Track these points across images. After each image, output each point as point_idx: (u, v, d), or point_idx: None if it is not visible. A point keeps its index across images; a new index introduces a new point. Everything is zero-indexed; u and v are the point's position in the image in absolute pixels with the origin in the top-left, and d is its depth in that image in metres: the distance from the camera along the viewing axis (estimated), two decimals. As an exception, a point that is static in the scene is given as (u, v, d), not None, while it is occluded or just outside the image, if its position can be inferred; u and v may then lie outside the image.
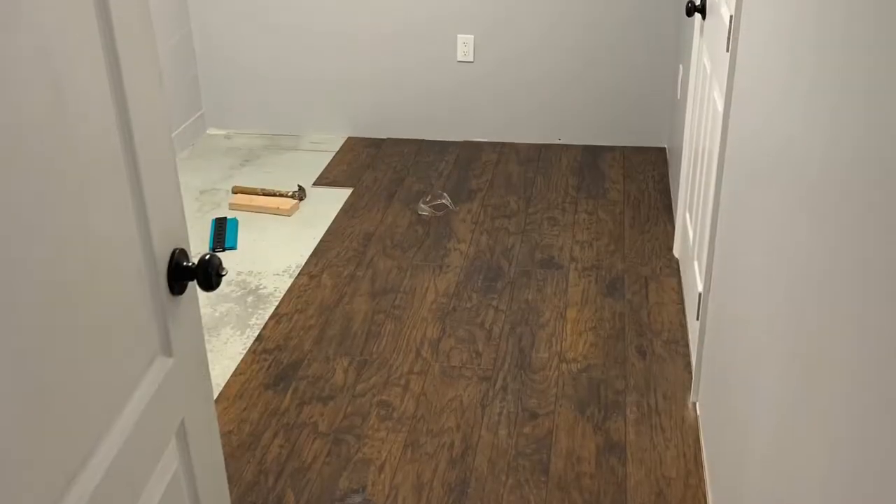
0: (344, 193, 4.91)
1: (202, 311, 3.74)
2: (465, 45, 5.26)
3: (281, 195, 4.80)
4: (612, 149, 5.39)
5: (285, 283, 4.05)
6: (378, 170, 5.19)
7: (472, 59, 5.30)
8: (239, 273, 4.14)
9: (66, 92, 1.22)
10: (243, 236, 4.48)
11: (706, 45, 3.42)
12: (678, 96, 4.59)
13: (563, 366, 3.47)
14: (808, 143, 1.63)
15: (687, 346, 3.56)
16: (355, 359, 3.54)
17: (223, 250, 4.34)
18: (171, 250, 1.57)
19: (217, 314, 3.84)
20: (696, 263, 3.43)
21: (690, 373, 3.40)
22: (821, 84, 1.57)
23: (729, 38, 2.68)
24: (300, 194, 4.81)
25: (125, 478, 1.39)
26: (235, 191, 4.86)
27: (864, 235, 1.29)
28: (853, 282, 1.33)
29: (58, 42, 1.20)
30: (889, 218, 1.17)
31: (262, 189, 4.84)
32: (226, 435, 3.16)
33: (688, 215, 3.81)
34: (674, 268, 4.10)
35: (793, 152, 1.77)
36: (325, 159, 5.34)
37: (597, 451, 3.07)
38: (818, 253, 1.54)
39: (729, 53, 2.69)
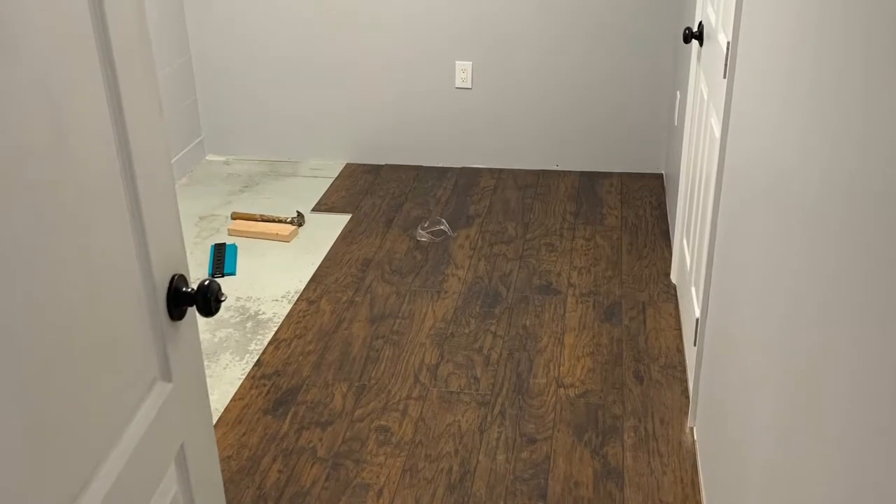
0: (342, 219, 4.93)
1: (201, 336, 3.76)
2: (463, 72, 5.29)
3: (280, 221, 4.81)
4: (609, 175, 5.41)
5: (284, 309, 4.07)
6: (376, 196, 5.21)
7: (470, 86, 5.33)
8: (238, 299, 4.15)
9: (67, 118, 1.23)
10: (242, 262, 4.50)
11: (703, 71, 3.44)
12: (675, 123, 4.62)
13: (561, 391, 3.48)
14: (806, 169, 1.64)
15: (684, 371, 3.57)
16: (354, 384, 3.55)
17: (222, 276, 4.36)
18: (170, 276, 1.58)
19: (216, 339, 3.85)
20: (693, 289, 3.44)
21: (688, 398, 3.41)
22: (818, 111, 1.58)
23: (726, 65, 2.70)
24: (299, 220, 4.83)
25: (125, 502, 1.40)
26: (234, 217, 4.88)
27: (860, 261, 1.30)
28: (849, 308, 1.35)
29: (58, 68, 1.22)
30: (886, 244, 1.19)
31: (261, 215, 4.86)
32: (225, 460, 3.16)
33: (685, 241, 3.83)
34: (671, 293, 4.11)
35: (790, 178, 1.78)
36: (323, 185, 5.37)
37: (594, 476, 3.07)
38: (815, 279, 1.55)
39: (726, 80, 2.71)
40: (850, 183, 1.35)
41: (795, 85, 1.77)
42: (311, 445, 3.23)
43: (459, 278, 4.29)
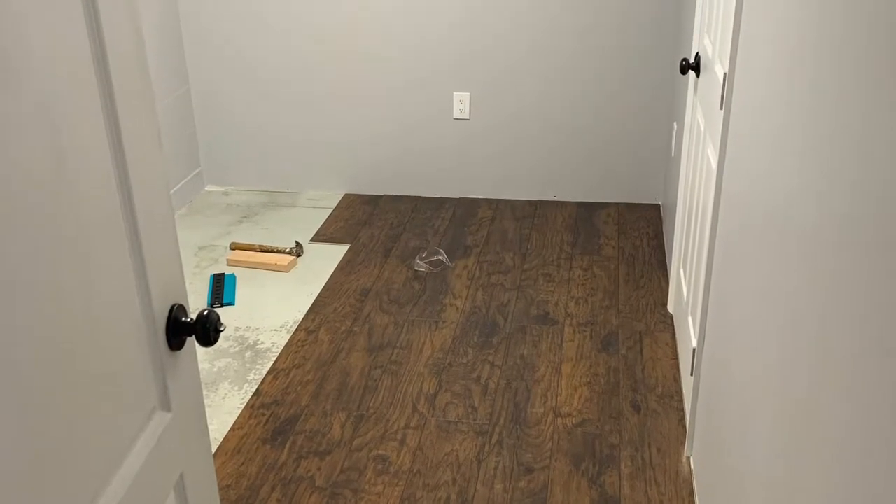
0: (341, 250, 4.94)
1: (200, 366, 3.77)
2: (461, 103, 5.32)
3: (278, 251, 4.83)
4: (606, 205, 5.44)
5: (283, 339, 4.08)
6: (375, 226, 5.23)
7: (468, 117, 5.36)
8: (237, 328, 4.16)
9: (67, 149, 1.25)
10: (241, 292, 4.51)
11: (700, 102, 3.46)
12: (672, 153, 4.64)
13: (559, 420, 3.49)
14: (802, 200, 1.66)
15: (681, 400, 3.58)
16: (352, 413, 3.56)
17: (221, 306, 4.37)
18: (169, 306, 1.60)
19: (215, 369, 3.85)
20: (690, 319, 3.45)
21: (685, 427, 3.41)
22: (814, 141, 1.59)
23: (723, 96, 2.72)
24: (297, 250, 4.84)
25: (123, 531, 1.41)
26: (233, 247, 4.90)
27: (857, 290, 1.31)
28: (847, 336, 1.36)
29: (58, 99, 1.23)
30: (881, 275, 1.20)
31: (260, 245, 4.88)
32: (224, 489, 3.17)
33: (682, 271, 3.84)
34: (668, 323, 4.12)
35: (786, 209, 1.79)
36: (322, 216, 5.39)
37: (592, 506, 3.07)
38: (811, 308, 1.56)
39: (723, 111, 2.72)
40: (847, 212, 1.37)
41: (792, 115, 1.79)
42: (309, 475, 3.24)
43: (457, 308, 4.31)
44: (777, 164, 1.91)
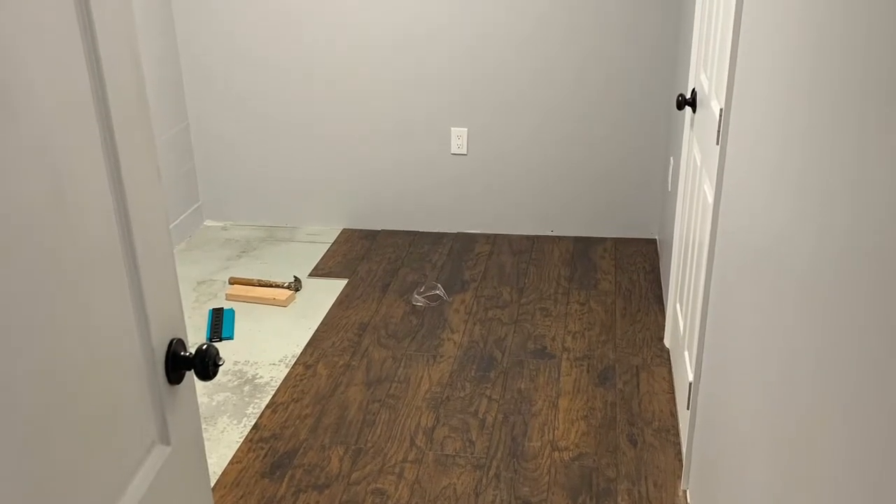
0: (339, 284, 4.96)
1: (199, 399, 3.76)
2: (458, 139, 5.36)
3: (277, 286, 4.85)
4: (603, 240, 5.46)
5: (281, 373, 4.09)
6: (373, 261, 5.24)
7: (465, 152, 5.39)
8: (236, 363, 4.18)
9: (66, 184, 1.26)
10: (240, 326, 4.52)
11: (696, 137, 3.49)
12: (669, 188, 4.67)
13: (556, 454, 3.49)
14: (798, 234, 1.66)
15: (678, 434, 3.59)
16: (350, 447, 3.56)
17: (220, 340, 4.38)
18: (168, 340, 1.61)
19: (214, 403, 3.86)
20: (686, 353, 3.47)
21: (681, 461, 3.42)
22: (810, 176, 1.60)
23: (719, 132, 2.74)
24: (296, 285, 4.86)
25: (122, 563, 1.42)
26: (232, 282, 4.91)
27: (852, 328, 1.32)
28: (842, 372, 1.37)
29: (58, 134, 1.24)
30: (877, 311, 1.21)
31: (259, 280, 4.90)
32: (220, 525, 3.17)
33: (678, 306, 3.86)
34: (664, 357, 4.14)
35: (782, 243, 1.81)
36: (320, 251, 5.41)
37: (589, 541, 3.07)
38: (807, 345, 1.57)
39: (719, 146, 2.74)
40: (842, 247, 1.37)
41: (788, 151, 1.80)
42: (306, 510, 3.24)
43: (455, 342, 4.32)
44: (773, 199, 1.92)
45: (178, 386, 1.64)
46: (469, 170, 5.44)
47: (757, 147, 2.17)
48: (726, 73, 2.66)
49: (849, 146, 1.37)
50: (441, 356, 4.19)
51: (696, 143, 3.52)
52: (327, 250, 5.41)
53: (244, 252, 5.42)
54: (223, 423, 3.74)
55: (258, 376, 4.07)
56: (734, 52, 2.58)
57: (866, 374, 1.23)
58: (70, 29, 1.29)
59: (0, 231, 1.09)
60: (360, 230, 5.68)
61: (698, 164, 3.37)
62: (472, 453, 3.52)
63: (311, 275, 5.09)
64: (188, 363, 1.63)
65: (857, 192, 1.32)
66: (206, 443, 3.43)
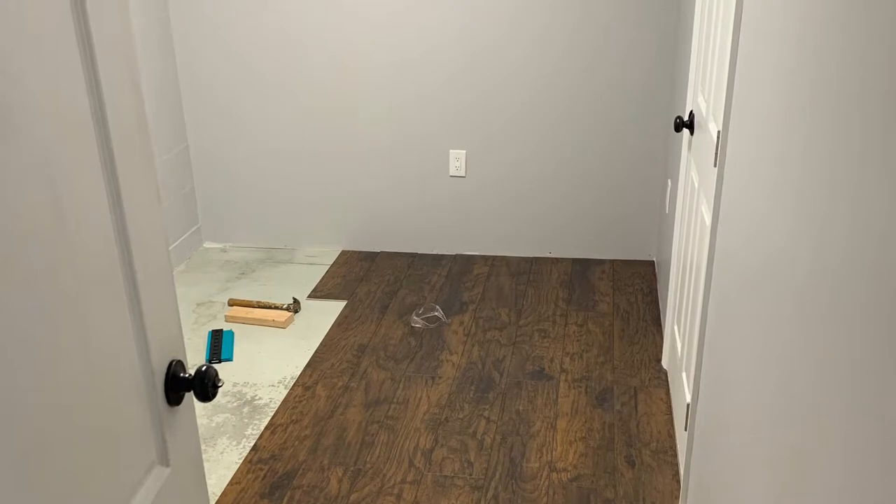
0: (338, 306, 4.97)
1: (199, 421, 3.78)
2: (457, 161, 5.38)
3: (276, 308, 4.86)
4: (601, 262, 5.47)
5: (280, 394, 4.09)
6: (372, 283, 5.26)
7: (464, 174, 5.41)
8: (235, 384, 4.18)
9: (66, 205, 1.27)
10: (239, 348, 4.53)
11: (694, 159, 3.50)
12: (667, 210, 4.68)
13: (554, 475, 3.50)
14: (795, 256, 1.66)
15: (675, 455, 3.59)
16: (349, 469, 3.57)
17: (219, 362, 4.39)
18: (168, 362, 1.62)
19: (213, 424, 3.87)
20: (684, 374, 3.48)
21: (679, 482, 3.43)
22: (807, 198, 1.61)
23: (717, 154, 2.74)
24: (295, 307, 4.87)
25: (122, 584, 1.42)
26: (231, 303, 4.92)
27: (850, 349, 1.32)
28: (840, 396, 1.37)
29: (58, 155, 1.26)
30: (875, 333, 1.21)
31: (258, 302, 4.91)
32: (219, 546, 3.17)
33: (676, 327, 3.87)
34: (662, 379, 4.15)
35: (779, 265, 1.81)
36: (319, 272, 5.42)
37: (588, 562, 3.08)
38: (805, 367, 1.58)
39: (716, 168, 2.75)
40: (839, 269, 1.38)
41: (785, 173, 1.80)
42: (305, 531, 3.24)
43: (453, 364, 4.33)
44: (771, 221, 1.93)
45: (177, 407, 1.65)
46: (468, 192, 5.46)
47: (754, 169, 2.17)
48: (724, 95, 2.67)
49: (847, 167, 1.37)
50: (439, 377, 4.20)
51: (693, 165, 3.53)
52: (326, 272, 5.42)
53: (243, 274, 5.44)
54: (222, 444, 3.75)
55: (257, 397, 4.07)
56: (731, 74, 2.59)
57: (865, 392, 1.24)
58: (70, 51, 1.30)
59: (1, 250, 1.10)
60: (359, 252, 5.69)
61: (696, 186, 3.38)
62: (470, 474, 3.52)
63: (310, 296, 5.10)
64: (187, 384, 1.65)
65: (854, 215, 1.32)
66: (205, 464, 3.43)
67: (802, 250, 1.62)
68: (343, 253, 5.68)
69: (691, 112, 3.61)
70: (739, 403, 2.20)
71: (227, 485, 3.49)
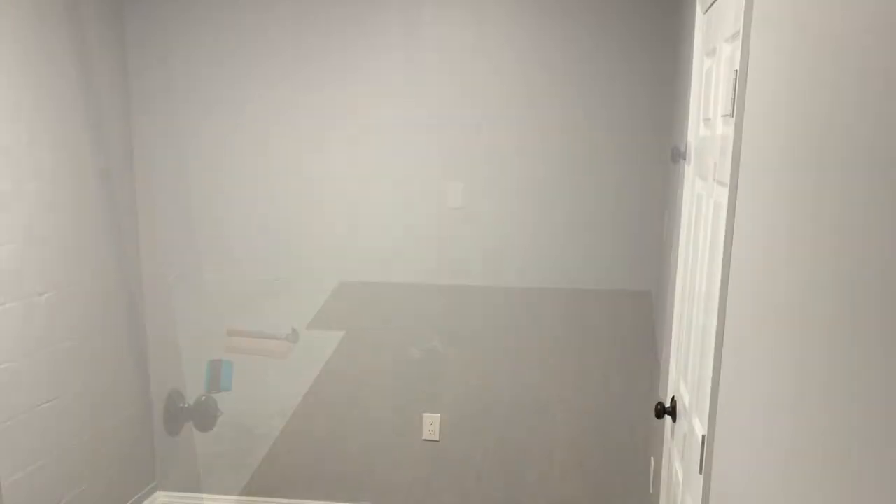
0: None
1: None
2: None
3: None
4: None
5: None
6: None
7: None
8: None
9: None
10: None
11: (676, 447, 3.24)
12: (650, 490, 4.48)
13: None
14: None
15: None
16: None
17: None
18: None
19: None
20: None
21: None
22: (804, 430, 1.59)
23: (702, 460, 2.56)
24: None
25: None
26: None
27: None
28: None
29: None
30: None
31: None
32: (217, 576, 3.17)
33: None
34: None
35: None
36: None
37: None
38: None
39: (703, 475, 2.51)
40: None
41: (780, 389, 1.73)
42: (302, 561, 3.25)
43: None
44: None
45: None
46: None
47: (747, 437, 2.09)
48: (708, 397, 2.47)
49: (844, 379, 1.34)
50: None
51: (675, 454, 3.25)
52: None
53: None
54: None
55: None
56: (715, 384, 2.41)
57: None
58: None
59: None
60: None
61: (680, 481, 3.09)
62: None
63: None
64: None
65: (853, 417, 1.29)
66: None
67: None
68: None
69: (673, 398, 3.36)
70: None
71: (226, 515, 3.50)
